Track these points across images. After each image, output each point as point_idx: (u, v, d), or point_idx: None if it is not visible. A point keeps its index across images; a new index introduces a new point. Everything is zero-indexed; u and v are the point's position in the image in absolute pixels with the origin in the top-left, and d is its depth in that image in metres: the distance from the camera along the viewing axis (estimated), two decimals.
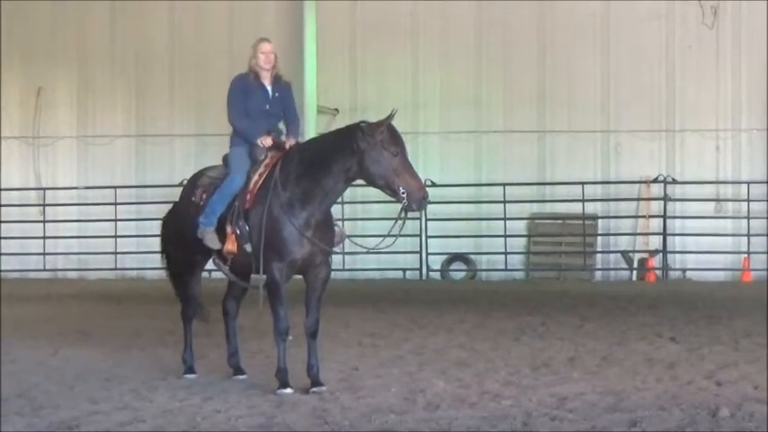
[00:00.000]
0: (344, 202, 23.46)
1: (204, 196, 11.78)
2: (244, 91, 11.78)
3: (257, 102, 11.74)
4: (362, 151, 10.82)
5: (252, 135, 11.59)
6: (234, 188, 11.43)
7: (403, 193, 10.74)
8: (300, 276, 11.37)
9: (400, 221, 10.99)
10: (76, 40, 30.26)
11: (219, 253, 11.58)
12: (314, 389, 10.94)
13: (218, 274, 12.90)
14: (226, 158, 11.82)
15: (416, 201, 10.79)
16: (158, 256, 12.79)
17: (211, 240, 11.46)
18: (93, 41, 30.28)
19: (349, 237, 12.12)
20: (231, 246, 11.35)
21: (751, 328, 16.03)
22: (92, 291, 24.46)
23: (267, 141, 11.52)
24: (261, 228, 11.06)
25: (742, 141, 28.44)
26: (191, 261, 12.25)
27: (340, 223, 11.85)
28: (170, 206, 12.95)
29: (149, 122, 30.15)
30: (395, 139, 10.84)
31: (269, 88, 11.83)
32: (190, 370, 12.23)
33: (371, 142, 10.77)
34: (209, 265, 12.37)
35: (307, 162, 11.16)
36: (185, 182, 12.93)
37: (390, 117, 10.83)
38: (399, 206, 10.84)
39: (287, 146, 11.58)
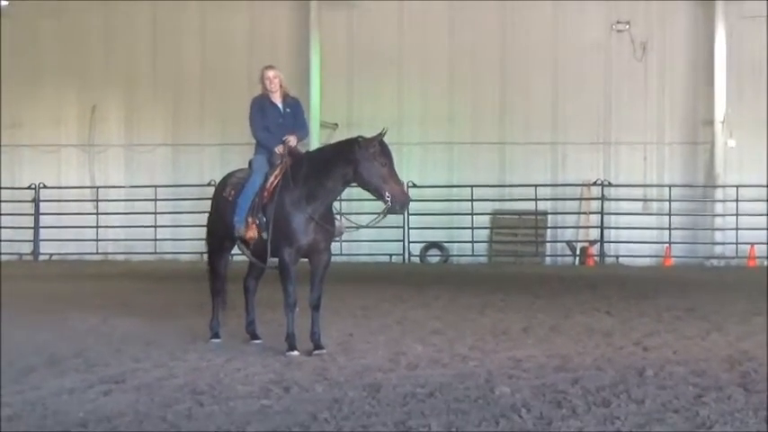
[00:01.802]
0: (342, 199, 23.42)
1: (233, 193, 11.83)
2: (261, 109, 11.84)
3: (272, 117, 11.77)
4: (358, 161, 10.83)
5: (270, 144, 11.64)
6: (254, 188, 11.49)
7: (388, 196, 10.79)
8: (306, 260, 11.37)
9: (382, 216, 11.11)
10: (124, 66, 30.28)
11: (243, 239, 11.61)
12: (316, 351, 10.94)
13: (239, 258, 12.88)
14: (251, 163, 11.88)
15: (399, 203, 10.85)
16: (190, 242, 12.72)
17: (255, 234, 11.50)
18: (138, 68, 30.30)
19: (345, 215, 12.12)
20: (252, 233, 11.40)
21: (671, 304, 16.04)
22: (135, 270, 24.42)
23: (281, 149, 11.55)
24: (275, 219, 11.11)
25: (665, 152, 28.54)
26: (221, 245, 12.25)
27: (339, 217, 11.83)
28: (200, 202, 12.94)
29: (183, 134, 30.14)
30: (384, 152, 10.85)
31: (280, 106, 11.85)
32: (216, 335, 12.21)
33: (365, 154, 10.79)
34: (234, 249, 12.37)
35: (313, 167, 11.18)
36: (213, 182, 12.95)
37: (381, 134, 10.87)
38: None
39: (289, 143, 11.56)
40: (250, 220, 11.39)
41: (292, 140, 11.65)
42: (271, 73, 11.86)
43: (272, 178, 11.41)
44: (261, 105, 11.84)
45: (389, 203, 10.81)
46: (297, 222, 11.04)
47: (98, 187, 29.98)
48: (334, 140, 27.57)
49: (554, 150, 28.84)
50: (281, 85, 11.87)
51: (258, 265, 11.98)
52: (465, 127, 29.07)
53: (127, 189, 29.86)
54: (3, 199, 29.60)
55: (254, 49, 29.25)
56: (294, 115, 11.93)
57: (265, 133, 11.74)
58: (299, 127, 11.95)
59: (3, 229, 29.33)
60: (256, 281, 12.38)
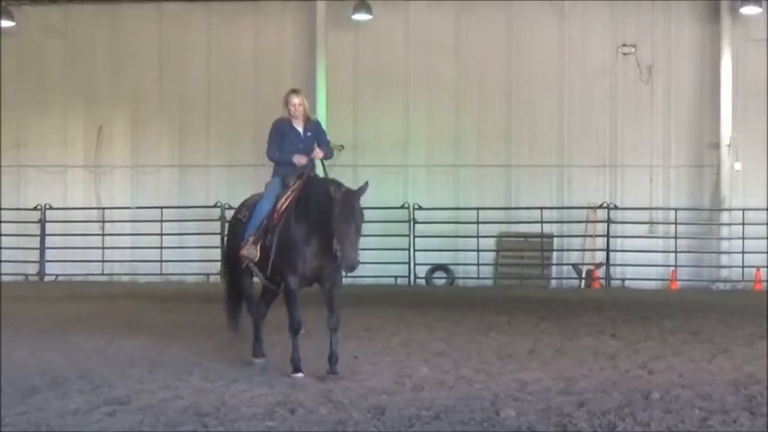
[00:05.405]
0: None
1: (246, 214, 11.97)
2: (280, 133, 11.93)
3: (292, 142, 11.86)
4: (327, 206, 10.75)
5: (287, 159, 11.72)
6: (263, 210, 11.58)
7: (338, 252, 10.67)
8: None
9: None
10: (131, 87, 30.26)
11: (255, 262, 11.59)
12: (330, 375, 10.88)
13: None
14: (267, 185, 11.98)
15: (345, 265, 10.75)
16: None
17: (252, 254, 11.53)
18: (144, 88, 30.29)
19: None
20: (245, 251, 11.52)
21: (676, 327, 16.03)
22: (141, 292, 24.38)
23: (302, 160, 11.68)
24: (280, 244, 11.17)
25: (671, 175, 28.49)
26: (242, 268, 12.12)
27: None
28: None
29: (189, 155, 30.11)
30: (349, 209, 10.70)
31: (300, 130, 11.95)
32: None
33: (333, 203, 10.69)
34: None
35: (309, 196, 11.24)
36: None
37: (360, 190, 10.85)
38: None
39: (317, 156, 11.85)
40: (251, 239, 11.43)
41: (319, 154, 11.83)
42: (296, 100, 11.90)
43: (282, 199, 11.46)
44: (280, 129, 11.93)
45: (339, 260, 10.74)
46: (301, 249, 11.05)
47: (104, 208, 29.96)
48: (338, 162, 27.98)
49: (560, 173, 28.81)
50: (304, 110, 11.92)
51: (271, 290, 11.91)
52: (471, 149, 29.05)
53: (133, 210, 29.83)
54: (9, 220, 29.62)
55: (261, 70, 29.32)
56: (316, 136, 12.05)
57: (279, 153, 11.83)
58: (321, 145, 12.07)
59: (9, 250, 29.33)
60: (267, 306, 12.36)
